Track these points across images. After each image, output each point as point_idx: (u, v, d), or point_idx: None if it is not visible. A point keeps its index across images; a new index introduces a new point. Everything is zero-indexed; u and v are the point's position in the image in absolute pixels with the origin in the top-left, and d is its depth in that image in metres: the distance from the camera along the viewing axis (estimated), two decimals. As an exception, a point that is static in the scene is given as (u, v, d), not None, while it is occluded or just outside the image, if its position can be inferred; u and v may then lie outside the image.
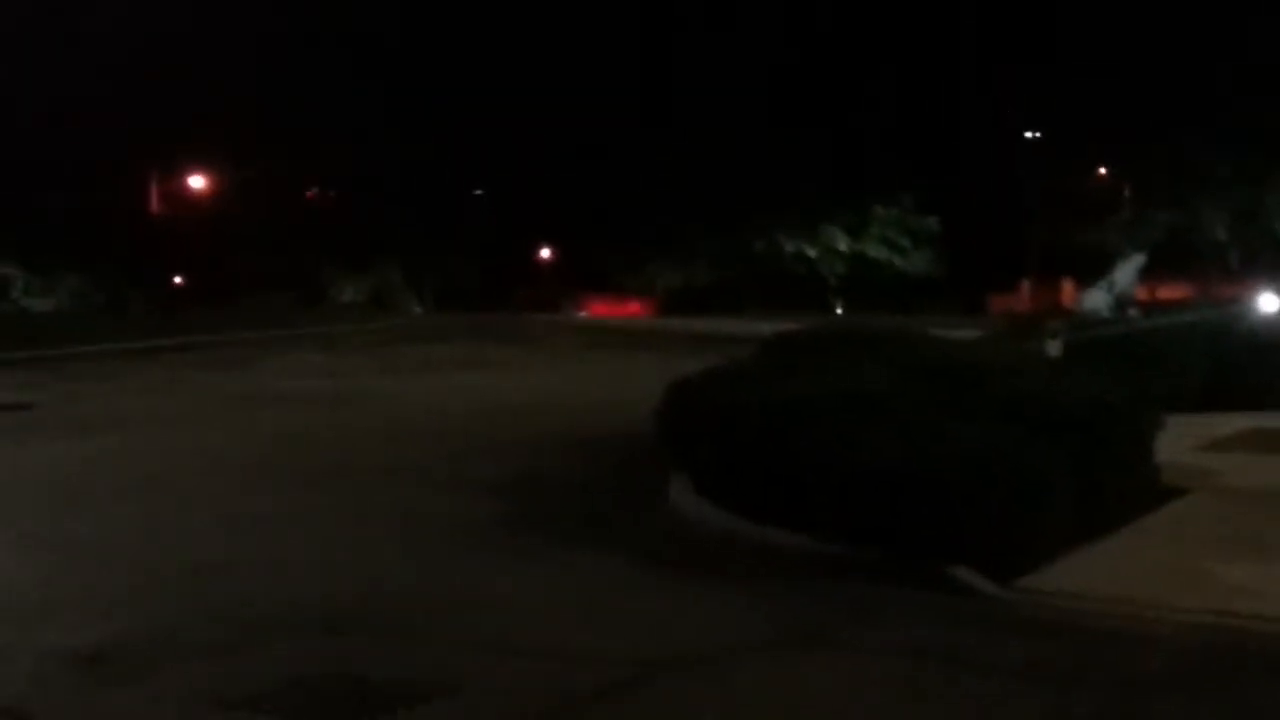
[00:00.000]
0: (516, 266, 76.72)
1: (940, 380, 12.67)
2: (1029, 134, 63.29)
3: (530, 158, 67.23)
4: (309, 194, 72.98)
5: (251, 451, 16.51)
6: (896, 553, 9.52)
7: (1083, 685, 7.28)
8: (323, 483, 14.00)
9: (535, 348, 34.42)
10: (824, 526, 10.02)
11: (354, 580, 9.72)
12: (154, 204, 63.55)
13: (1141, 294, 57.57)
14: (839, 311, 67.07)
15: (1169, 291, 60.32)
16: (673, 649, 7.89)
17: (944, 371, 13.22)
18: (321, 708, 6.97)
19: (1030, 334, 19.16)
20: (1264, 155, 50.82)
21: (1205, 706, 7.06)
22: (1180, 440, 13.99)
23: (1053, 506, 9.83)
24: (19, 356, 29.72)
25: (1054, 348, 17.28)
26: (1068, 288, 62.07)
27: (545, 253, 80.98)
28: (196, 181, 65.98)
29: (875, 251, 69.27)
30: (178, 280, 73.40)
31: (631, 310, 64.98)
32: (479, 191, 75.27)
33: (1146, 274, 58.27)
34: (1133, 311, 42.06)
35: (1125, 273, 54.76)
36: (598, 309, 66.38)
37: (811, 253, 69.44)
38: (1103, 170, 63.65)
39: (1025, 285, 66.10)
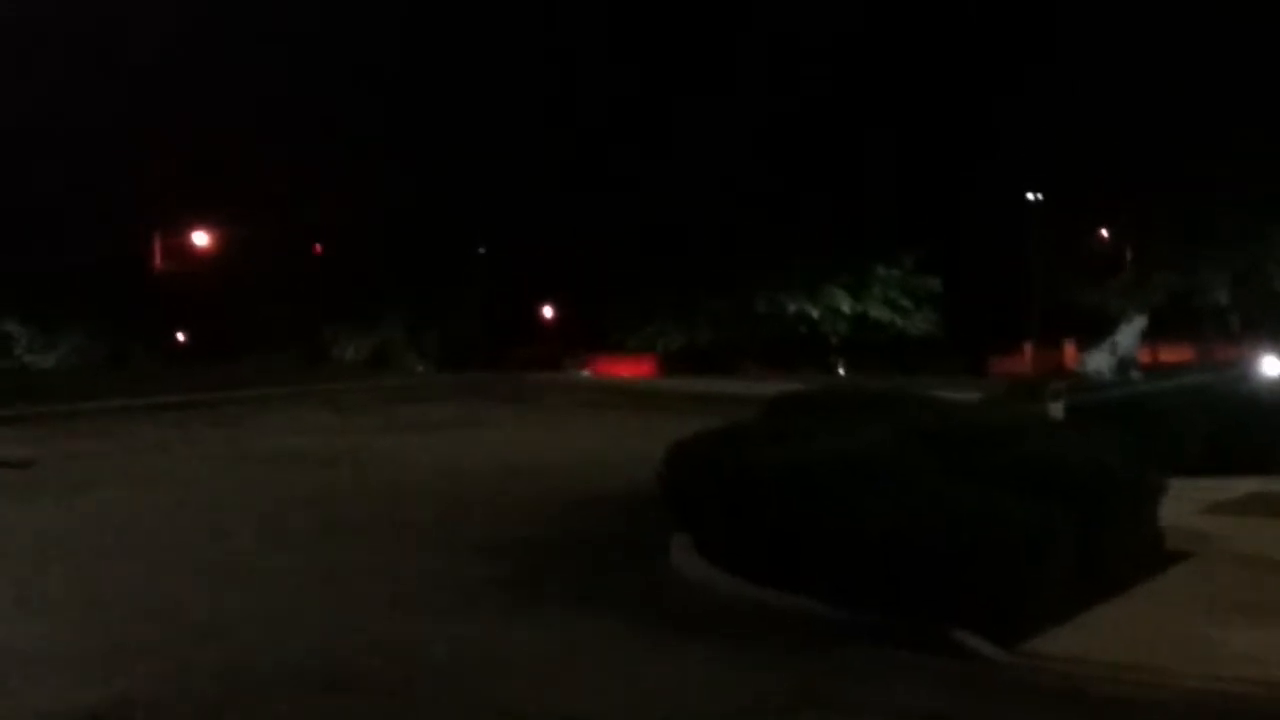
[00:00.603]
0: (519, 325, 76.77)
1: (942, 442, 12.68)
2: (1031, 195, 63.49)
3: (532, 216, 67.40)
4: (316, 247, 73.07)
5: (253, 510, 16.48)
6: (899, 616, 9.50)
7: (1085, 752, 7.25)
8: (323, 541, 13.97)
9: (536, 406, 34.37)
10: (827, 589, 10.00)
11: (354, 639, 9.69)
12: (157, 260, 63.72)
13: (1144, 356, 57.58)
14: (841, 371, 67.01)
15: (1171, 353, 60.31)
16: (678, 713, 7.85)
17: (946, 434, 13.23)
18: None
19: (1032, 396, 19.12)
20: (1265, 218, 51.03)
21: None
22: (1183, 503, 13.98)
23: (1054, 570, 9.83)
24: (20, 413, 29.71)
25: (1056, 410, 17.26)
26: (1070, 349, 62.03)
27: (548, 311, 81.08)
28: (200, 238, 66.18)
29: (877, 312, 69.26)
30: (180, 337, 73.45)
31: (633, 369, 64.95)
32: (482, 249, 75.41)
33: (1148, 336, 58.26)
34: (1135, 373, 42.04)
35: (1127, 335, 54.71)
36: (600, 368, 66.36)
37: (814, 313, 69.45)
38: (1104, 232, 63.82)
39: (1027, 347, 66.08)
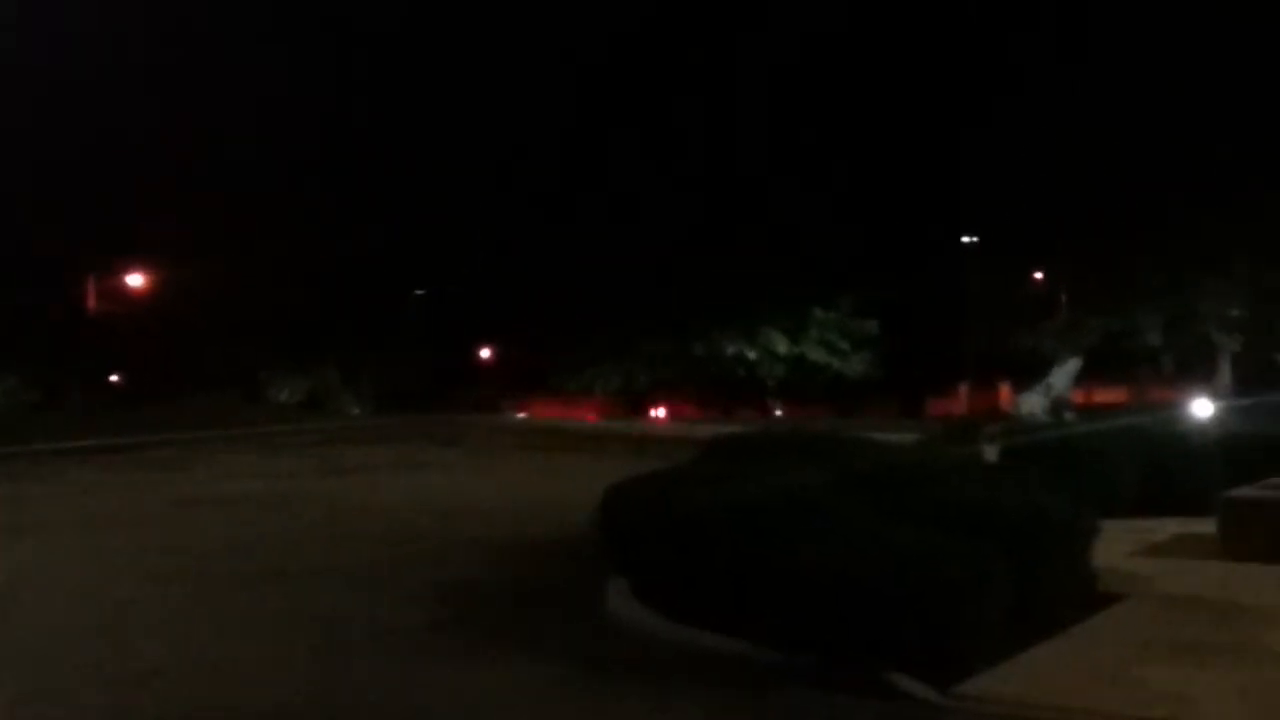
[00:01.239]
0: (457, 367, 76.62)
1: (878, 485, 12.73)
2: (966, 239, 64.13)
3: (471, 258, 67.35)
4: (253, 300, 72.76)
5: (188, 555, 16.29)
6: (835, 659, 9.51)
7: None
8: (259, 587, 13.83)
9: (473, 450, 34.26)
10: (763, 632, 10.00)
11: (291, 686, 9.60)
12: (91, 301, 63.13)
13: (1078, 397, 58.17)
14: (778, 413, 67.27)
15: (1105, 395, 61.00)
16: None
17: (882, 476, 13.29)
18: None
19: (968, 437, 19.26)
20: (1197, 262, 51.68)
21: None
22: (1116, 545, 14.09)
23: (991, 611, 9.86)
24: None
25: (991, 452, 17.40)
26: (1005, 391, 62.66)
27: (486, 353, 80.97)
28: (134, 279, 65.66)
29: (814, 354, 69.64)
30: (114, 379, 72.71)
31: (572, 412, 64.92)
32: (420, 291, 75.21)
33: (1083, 378, 58.89)
34: (1069, 415, 42.46)
35: (1061, 376, 55.30)
36: (538, 411, 66.30)
37: (751, 355, 69.72)
38: (1039, 275, 64.50)
39: (963, 388, 66.65)
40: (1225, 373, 53.69)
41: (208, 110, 58.60)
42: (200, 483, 25.80)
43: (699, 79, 60.47)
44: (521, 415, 63.12)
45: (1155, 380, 59.43)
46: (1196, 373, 54.75)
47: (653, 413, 69.09)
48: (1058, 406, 51.09)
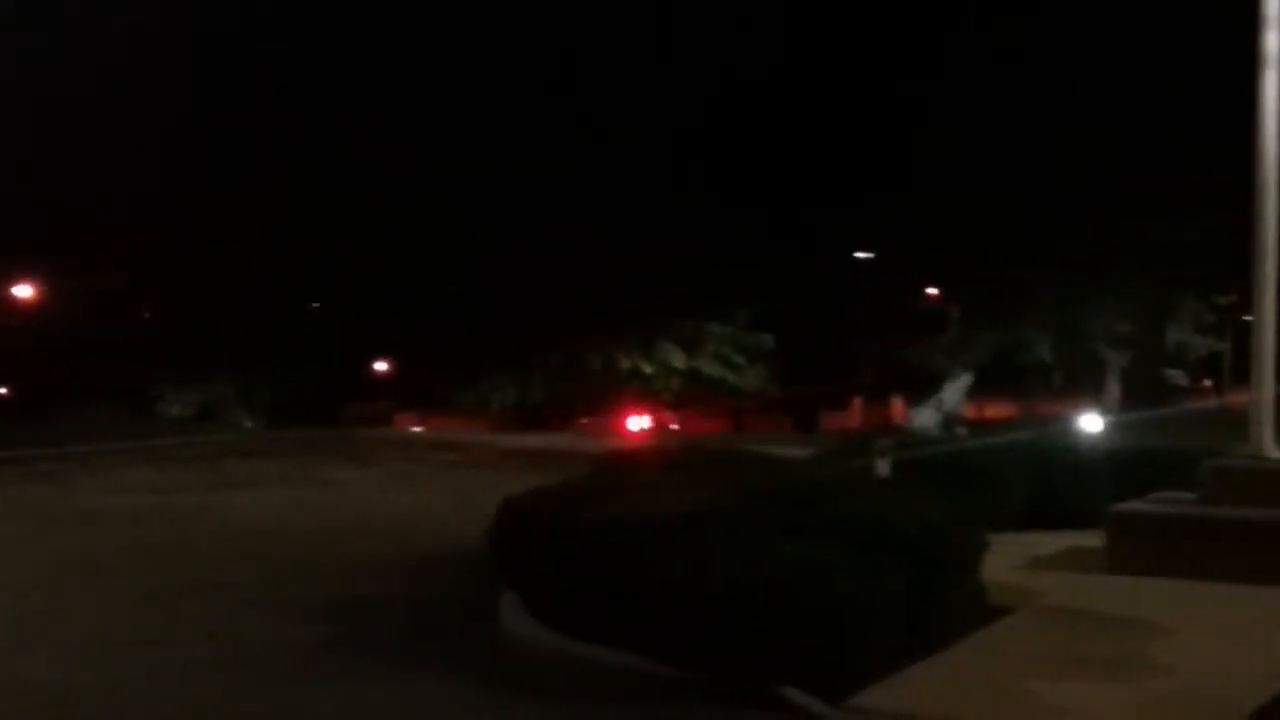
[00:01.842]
0: (352, 381, 75.97)
1: (770, 499, 12.77)
2: (861, 254, 64.72)
3: (364, 271, 66.76)
4: (147, 313, 71.79)
5: (69, 571, 15.98)
6: (728, 673, 9.51)
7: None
8: (144, 605, 13.59)
9: (366, 464, 33.96)
10: (656, 647, 9.98)
11: (178, 709, 9.45)
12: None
13: (969, 412, 58.84)
14: (674, 427, 67.41)
15: (996, 410, 61.84)
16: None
17: (774, 490, 13.33)
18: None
19: (862, 452, 19.34)
20: (1085, 279, 52.42)
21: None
22: (1004, 559, 14.22)
23: (882, 625, 9.93)
24: None
25: (883, 466, 17.49)
26: (898, 405, 63.23)
27: (381, 367, 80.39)
28: (22, 290, 64.47)
29: (710, 368, 69.89)
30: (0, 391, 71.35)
31: (467, 425, 64.56)
32: (315, 304, 74.55)
33: (973, 392, 59.54)
34: (960, 429, 42.86)
35: (953, 391, 55.82)
36: (433, 424, 65.91)
37: (647, 369, 69.82)
38: (933, 291, 65.18)
39: (857, 402, 67.25)
40: (1114, 388, 54.56)
41: (105, 121, 57.57)
42: (84, 497, 25.33)
43: (591, 95, 60.48)
44: (417, 429, 62.79)
45: (1045, 395, 60.32)
46: (1086, 388, 55.61)
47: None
48: (949, 421, 51.58)
